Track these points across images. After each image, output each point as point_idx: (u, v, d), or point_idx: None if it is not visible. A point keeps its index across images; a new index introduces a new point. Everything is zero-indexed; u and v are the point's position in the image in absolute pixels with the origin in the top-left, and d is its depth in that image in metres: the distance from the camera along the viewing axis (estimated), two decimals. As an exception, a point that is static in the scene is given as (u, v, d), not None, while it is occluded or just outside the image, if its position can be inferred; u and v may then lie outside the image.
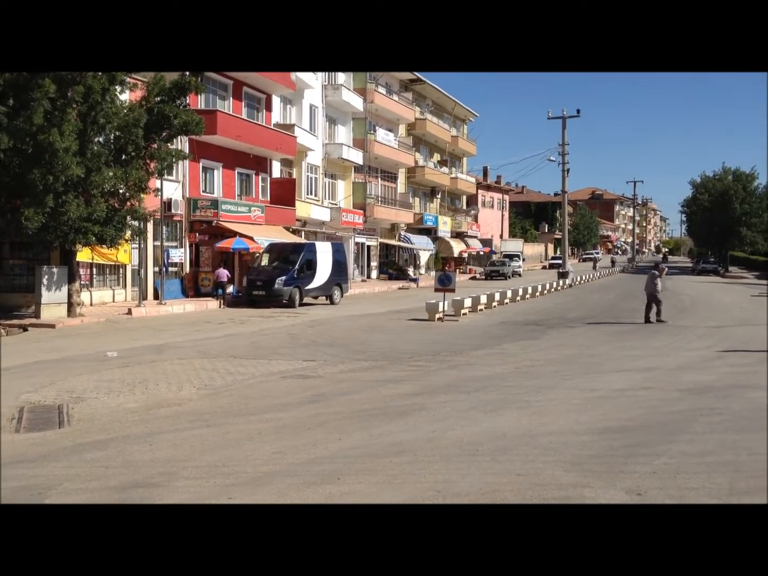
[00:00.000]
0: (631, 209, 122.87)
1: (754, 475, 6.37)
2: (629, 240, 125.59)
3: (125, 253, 25.86)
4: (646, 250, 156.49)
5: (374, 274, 48.03)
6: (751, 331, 19.32)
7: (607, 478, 6.31)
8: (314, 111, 40.20)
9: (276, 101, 36.33)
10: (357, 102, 43.19)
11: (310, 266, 28.01)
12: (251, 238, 29.90)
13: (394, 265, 50.77)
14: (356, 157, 43.24)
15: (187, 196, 29.45)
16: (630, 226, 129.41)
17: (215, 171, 31.55)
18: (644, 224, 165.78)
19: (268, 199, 34.87)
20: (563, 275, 45.34)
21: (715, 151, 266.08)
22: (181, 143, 27.09)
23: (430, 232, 55.80)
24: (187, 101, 22.39)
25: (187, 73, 21.71)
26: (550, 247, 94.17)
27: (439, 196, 60.75)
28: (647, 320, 21.50)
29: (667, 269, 23.97)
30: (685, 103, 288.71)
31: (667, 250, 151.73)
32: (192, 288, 29.63)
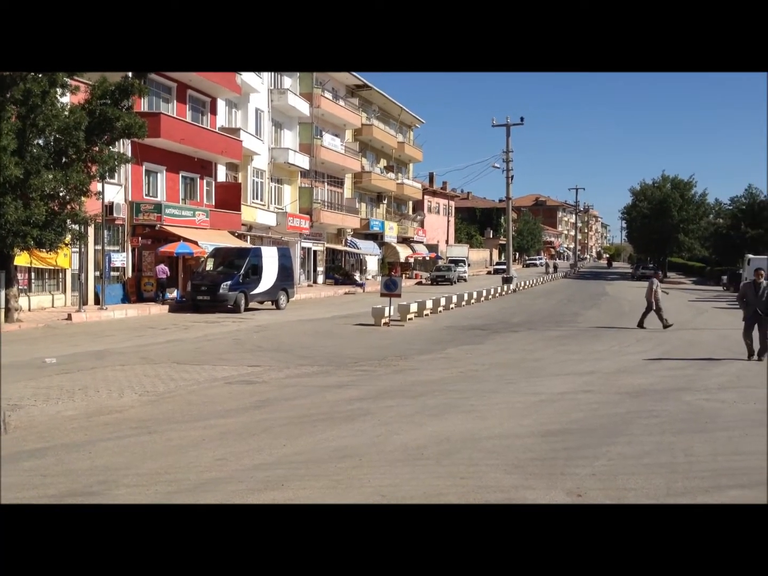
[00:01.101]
0: (574, 216, 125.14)
1: (690, 476, 6.56)
2: (572, 246, 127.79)
3: (65, 258, 25.32)
4: (588, 256, 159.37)
5: (321, 279, 47.93)
6: (687, 335, 19.86)
7: (548, 479, 6.43)
8: (260, 115, 39.98)
9: (221, 105, 36.04)
10: (303, 107, 43.10)
11: (256, 271, 27.80)
12: (195, 243, 29.58)
13: (340, 270, 50.74)
14: (303, 161, 43.14)
15: (130, 199, 29.00)
16: (572, 233, 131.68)
17: (159, 174, 31.14)
18: (586, 231, 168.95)
19: (213, 204, 34.55)
20: (507, 280, 45.89)
21: (655, 158, 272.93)
22: (124, 146, 26.67)
23: (377, 237, 55.95)
24: (131, 104, 22.06)
25: (130, 74, 21.40)
26: (495, 252, 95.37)
27: (385, 202, 60.97)
28: (640, 325, 21.67)
29: (660, 274, 24.30)
30: (623, 111, 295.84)
31: (608, 255, 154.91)
32: (134, 293, 29.13)
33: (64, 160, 20.30)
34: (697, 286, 56.77)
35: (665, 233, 70.57)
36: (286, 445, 7.68)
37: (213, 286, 26.50)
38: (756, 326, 14.40)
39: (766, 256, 40.65)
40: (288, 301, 29.80)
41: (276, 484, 6.22)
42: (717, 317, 26.66)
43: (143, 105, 28.94)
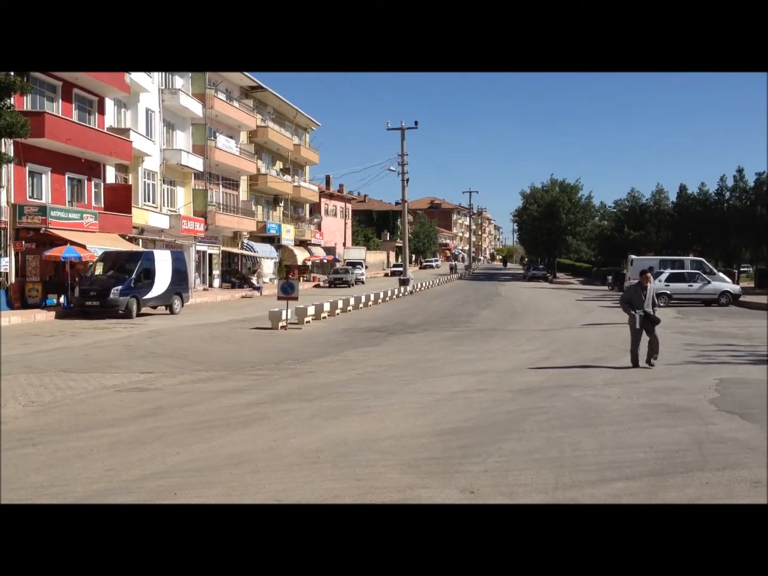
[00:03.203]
0: (468, 218, 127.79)
1: (578, 470, 6.81)
2: (466, 248, 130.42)
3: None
4: (482, 258, 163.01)
5: (216, 282, 47.12)
6: (575, 333, 20.61)
7: (443, 478, 6.54)
8: (151, 115, 38.97)
9: (110, 104, 34.90)
10: (196, 107, 42.28)
11: (148, 275, 27.07)
12: (83, 246, 28.52)
13: (236, 273, 50.05)
14: (196, 163, 42.31)
15: (12, 201, 27.69)
16: (467, 235, 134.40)
17: (43, 176, 29.87)
18: (480, 233, 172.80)
19: (102, 206, 33.42)
20: (404, 282, 46.43)
21: (545, 162, 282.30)
22: (6, 146, 25.45)
23: (274, 240, 55.49)
24: (12, 102, 21.08)
25: (12, 72, 20.46)
26: (392, 254, 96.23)
27: (282, 204, 60.54)
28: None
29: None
30: (515, 114, 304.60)
31: (501, 257, 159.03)
32: (18, 299, 27.81)
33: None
34: (584, 286, 59.00)
35: (554, 235, 73.02)
36: (180, 453, 7.52)
37: (103, 291, 25.63)
38: (644, 331, 13.45)
39: (648, 257, 42.77)
40: (182, 305, 29.17)
41: (168, 494, 6.08)
42: (603, 316, 27.77)
43: (26, 104, 27.73)
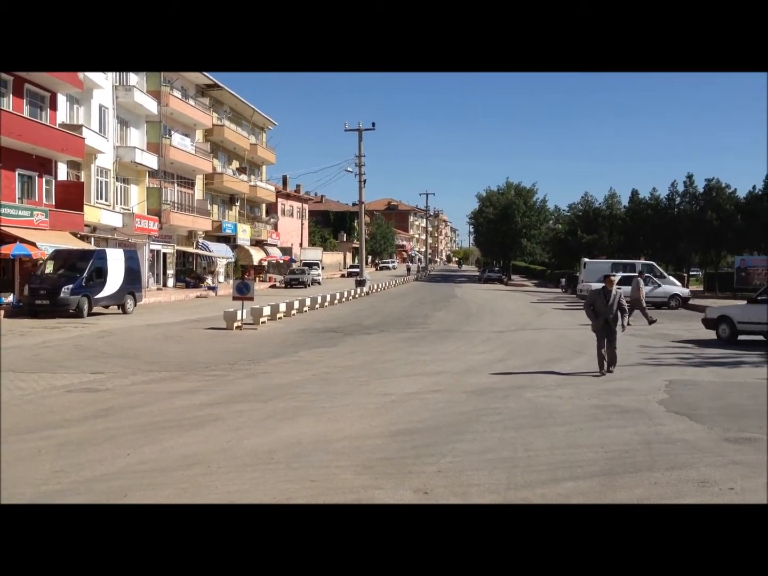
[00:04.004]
0: (424, 220, 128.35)
1: (530, 470, 6.88)
2: (423, 249, 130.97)
3: None
4: (438, 260, 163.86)
5: (171, 282, 46.51)
6: (529, 335, 20.83)
7: (396, 478, 6.56)
8: (104, 112, 38.33)
9: (62, 100, 34.23)
10: (151, 105, 41.71)
11: (100, 274, 26.61)
12: (34, 244, 27.92)
13: (191, 273, 49.51)
14: (150, 161, 41.73)
15: (-41, 197, 27.01)
16: (423, 237, 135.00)
17: (-8, 171, 29.17)
18: (436, 235, 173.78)
19: (54, 203, 32.76)
20: (361, 283, 46.41)
21: (501, 165, 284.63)
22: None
23: (229, 240, 55.03)
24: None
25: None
26: (349, 255, 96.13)
27: (238, 204, 60.04)
28: (650, 320, 23.71)
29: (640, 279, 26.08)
30: (470, 116, 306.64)
31: (457, 259, 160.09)
32: (-35, 298, 27.13)
33: None
34: (538, 289, 59.65)
35: (509, 238, 73.75)
36: (131, 455, 7.41)
37: (53, 289, 25.11)
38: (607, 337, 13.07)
39: (600, 260, 43.42)
40: (135, 305, 28.75)
41: (118, 495, 5.99)
42: (556, 318, 28.13)
43: (-26, 97, 27.09)
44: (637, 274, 27.88)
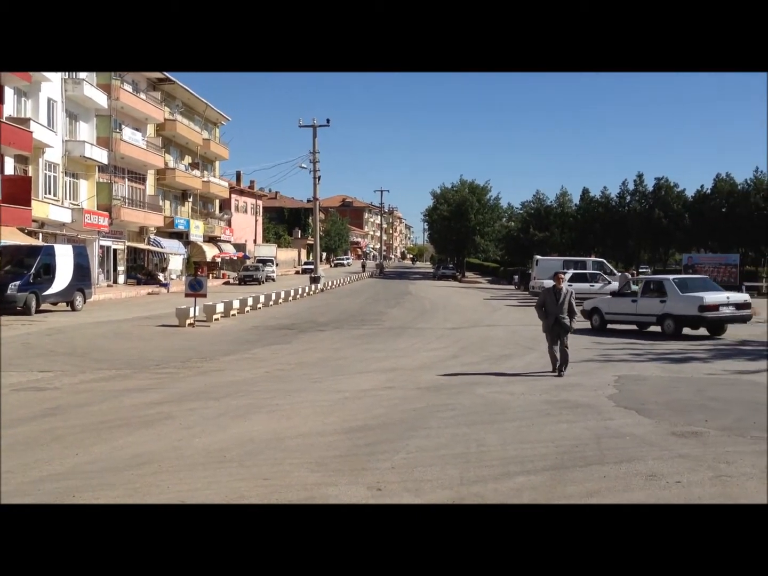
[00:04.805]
0: (379, 217, 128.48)
1: (482, 465, 6.94)
2: (377, 246, 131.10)
3: None
4: (393, 257, 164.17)
5: (121, 278, 45.78)
6: (482, 332, 21.02)
7: (350, 475, 6.55)
8: (53, 105, 37.54)
9: (9, 93, 33.45)
10: (101, 98, 40.96)
11: (48, 270, 26.08)
12: (-21, 240, 27.25)
13: (143, 269, 48.79)
14: (100, 156, 40.99)
15: None
16: (378, 233, 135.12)
17: (-65, 164, 28.37)
18: (391, 231, 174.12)
19: (0, 198, 31.96)
20: (315, 280, 46.28)
21: (455, 162, 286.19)
22: None
23: (182, 236, 54.38)
24: None
25: None
26: (303, 252, 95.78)
27: (190, 200, 59.36)
28: None
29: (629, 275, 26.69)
30: (423, 113, 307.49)
31: (411, 256, 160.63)
32: None
33: None
34: (491, 285, 60.20)
35: (463, 235, 74.23)
36: (79, 454, 7.28)
37: (0, 286, 24.55)
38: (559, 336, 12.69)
39: (552, 257, 43.99)
40: (85, 302, 28.24)
41: (66, 496, 5.87)
42: (509, 314, 28.42)
43: None
44: (625, 272, 28.87)
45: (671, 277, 21.45)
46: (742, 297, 20.67)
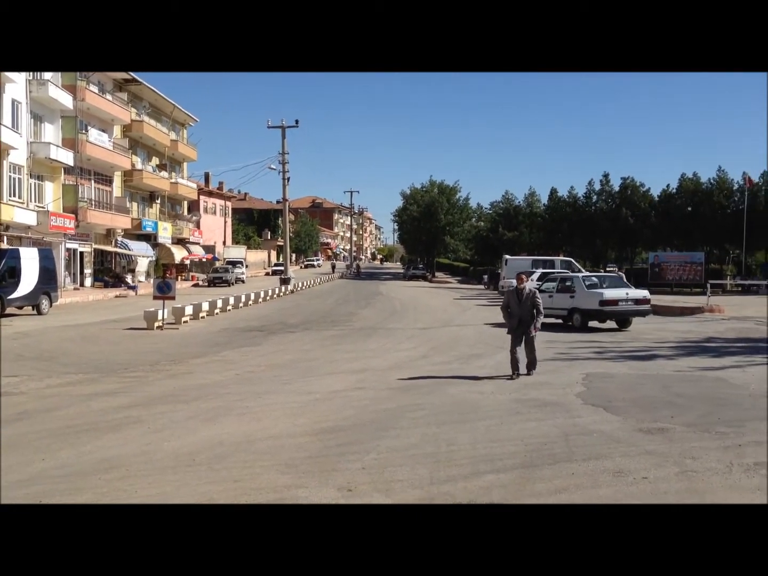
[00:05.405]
0: (349, 218, 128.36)
1: (452, 464, 6.98)
2: (348, 247, 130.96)
3: None
4: (363, 257, 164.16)
5: (88, 281, 45.22)
6: (452, 332, 21.11)
7: (320, 477, 6.56)
8: (17, 106, 36.98)
9: (-29, 93, 32.91)
10: (66, 99, 40.43)
11: (13, 274, 25.70)
12: (-59, 243, 26.79)
13: (110, 272, 48.23)
14: (66, 157, 40.46)
15: None
16: (348, 234, 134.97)
17: None
18: (361, 232, 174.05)
19: (-38, 200, 31.47)
20: (285, 281, 46.13)
21: (425, 163, 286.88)
22: None
23: (150, 238, 53.83)
24: None
25: None
26: (273, 253, 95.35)
27: (158, 201, 58.80)
28: None
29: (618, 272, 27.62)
30: (393, 114, 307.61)
31: (382, 256, 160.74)
32: None
33: None
34: (461, 285, 60.44)
35: (433, 235, 74.49)
36: (46, 459, 7.20)
37: (-37, 290, 24.16)
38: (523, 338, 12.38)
39: (521, 257, 44.31)
40: (51, 305, 27.87)
41: (33, 501, 5.80)
42: (479, 314, 28.55)
43: None
44: (617, 269, 30.19)
45: (581, 275, 23.42)
46: (641, 293, 22.36)
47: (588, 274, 25.26)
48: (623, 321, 21.57)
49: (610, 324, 21.52)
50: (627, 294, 21.57)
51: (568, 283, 22.31)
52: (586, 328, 21.00)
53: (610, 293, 21.09)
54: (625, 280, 26.18)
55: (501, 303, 13.44)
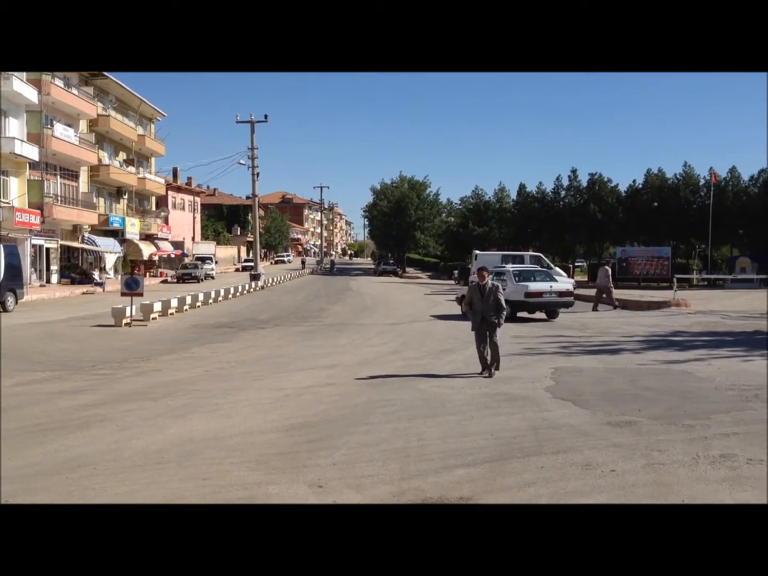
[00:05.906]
0: (319, 213, 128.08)
1: (422, 459, 7.00)
2: (318, 243, 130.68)
3: None
4: (334, 253, 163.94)
5: (55, 278, 44.63)
6: (422, 327, 21.16)
7: (291, 473, 6.54)
8: (-20, 100, 36.36)
9: (-68, 86, 32.27)
10: (31, 93, 39.82)
11: (-23, 271, 25.30)
12: None
13: (77, 268, 47.63)
14: (31, 152, 39.87)
15: None
16: (318, 230, 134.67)
17: None
18: (331, 228, 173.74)
19: (-76, 196, 30.88)
20: (255, 277, 45.91)
21: (395, 158, 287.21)
22: None
23: (117, 234, 53.27)
24: None
25: None
26: (243, 249, 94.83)
27: (126, 197, 58.17)
28: (595, 308, 26.99)
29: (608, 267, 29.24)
30: (363, 109, 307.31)
31: (352, 252, 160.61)
32: None
33: None
34: (432, 280, 60.60)
35: (404, 231, 74.61)
36: (11, 459, 7.08)
37: (-75, 288, 23.72)
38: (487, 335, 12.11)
39: (491, 252, 44.49)
40: (16, 302, 27.47)
41: (-2, 502, 5.72)
42: (449, 309, 28.63)
43: None
44: (605, 263, 31.80)
45: (511, 268, 24.92)
46: (564, 286, 24.25)
47: (521, 268, 26.23)
48: (551, 312, 23.31)
49: (581, 317, 21.73)
50: (551, 287, 23.17)
51: (503, 277, 23.13)
52: (555, 325, 21.19)
53: (534, 286, 22.74)
54: (564, 274, 27.20)
55: (463, 302, 13.35)
